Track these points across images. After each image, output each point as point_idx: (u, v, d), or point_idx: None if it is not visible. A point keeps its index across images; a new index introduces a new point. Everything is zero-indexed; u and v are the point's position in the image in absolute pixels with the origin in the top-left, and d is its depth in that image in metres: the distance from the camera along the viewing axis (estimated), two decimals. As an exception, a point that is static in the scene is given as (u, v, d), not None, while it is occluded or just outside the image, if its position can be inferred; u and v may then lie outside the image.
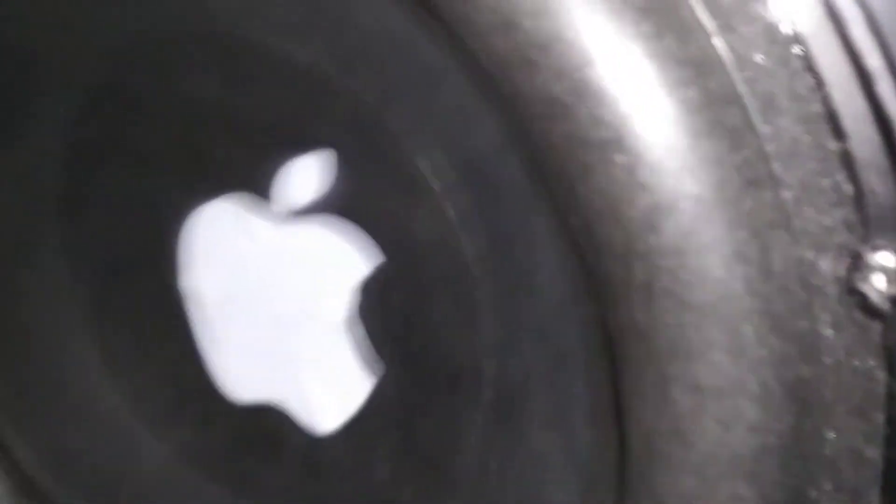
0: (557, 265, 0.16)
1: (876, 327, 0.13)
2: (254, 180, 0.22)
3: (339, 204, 0.21)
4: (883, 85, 0.13)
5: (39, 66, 0.23)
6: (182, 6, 0.21)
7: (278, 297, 0.23)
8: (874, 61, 0.13)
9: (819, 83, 0.13)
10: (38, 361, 0.25)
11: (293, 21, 0.18)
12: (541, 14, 0.14)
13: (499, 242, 0.18)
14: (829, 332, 0.13)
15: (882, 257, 0.12)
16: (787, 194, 0.13)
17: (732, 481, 0.14)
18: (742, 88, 0.12)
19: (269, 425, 0.24)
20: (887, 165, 0.13)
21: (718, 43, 0.14)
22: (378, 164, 0.20)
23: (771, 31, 0.13)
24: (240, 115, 0.22)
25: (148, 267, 0.24)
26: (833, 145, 0.14)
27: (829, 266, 0.13)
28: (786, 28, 0.13)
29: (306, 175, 0.22)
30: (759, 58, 0.13)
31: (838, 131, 0.14)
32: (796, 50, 0.13)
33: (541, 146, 0.14)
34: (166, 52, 0.22)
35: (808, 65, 0.13)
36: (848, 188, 0.13)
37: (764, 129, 0.13)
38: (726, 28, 0.14)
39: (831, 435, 0.14)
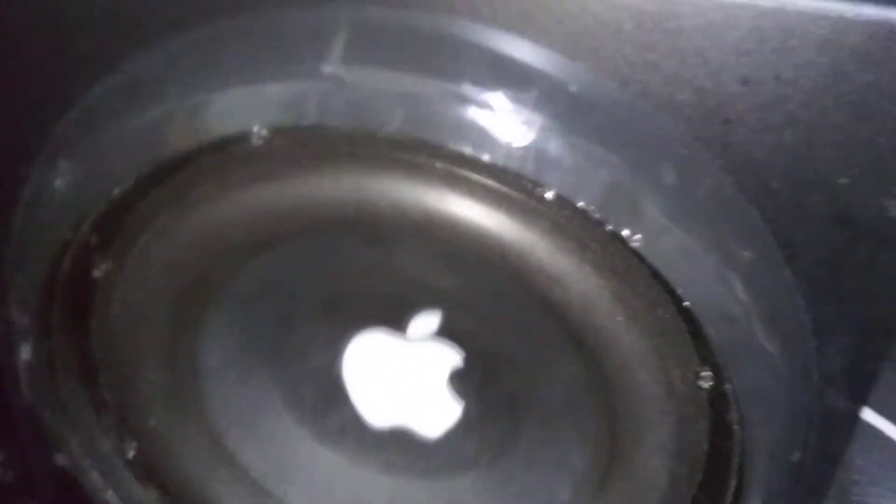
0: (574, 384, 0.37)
1: (706, 405, 0.35)
2: (391, 321, 0.41)
3: (448, 331, 0.41)
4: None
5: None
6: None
7: (403, 376, 0.43)
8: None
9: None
10: (249, 409, 0.44)
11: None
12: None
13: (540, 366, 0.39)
14: (689, 406, 0.35)
15: (704, 372, 0.34)
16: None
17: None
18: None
19: (398, 442, 0.44)
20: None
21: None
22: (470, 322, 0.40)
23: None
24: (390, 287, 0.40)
25: (323, 362, 0.43)
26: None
27: (687, 377, 0.35)
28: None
29: (426, 319, 0.41)
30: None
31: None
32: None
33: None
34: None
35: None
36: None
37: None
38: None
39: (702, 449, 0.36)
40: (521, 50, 0.31)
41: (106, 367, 0.41)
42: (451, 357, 0.42)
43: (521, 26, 0.31)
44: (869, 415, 0.68)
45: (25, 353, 0.41)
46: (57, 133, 0.35)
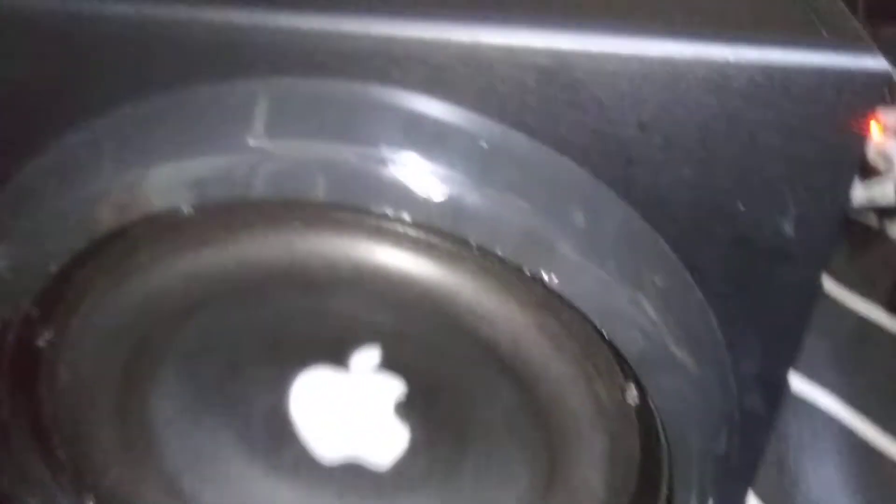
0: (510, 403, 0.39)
1: (634, 418, 0.38)
2: (333, 358, 0.43)
3: (389, 363, 0.43)
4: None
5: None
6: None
7: (350, 409, 0.45)
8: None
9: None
10: (204, 454, 0.45)
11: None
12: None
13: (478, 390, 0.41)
14: (618, 421, 0.38)
15: (630, 389, 0.37)
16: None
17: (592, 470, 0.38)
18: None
19: (350, 469, 0.46)
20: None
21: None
22: (409, 355, 0.42)
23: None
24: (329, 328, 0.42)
25: (271, 401, 0.45)
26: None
27: (614, 395, 0.37)
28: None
29: (367, 354, 0.43)
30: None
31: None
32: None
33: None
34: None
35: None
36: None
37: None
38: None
39: (634, 458, 0.39)
40: (432, 109, 0.33)
41: (58, 429, 0.42)
42: (394, 387, 0.44)
43: (431, 87, 0.33)
44: (802, 385, 0.72)
45: (-24, 421, 0.41)
46: (-11, 216, 0.35)
